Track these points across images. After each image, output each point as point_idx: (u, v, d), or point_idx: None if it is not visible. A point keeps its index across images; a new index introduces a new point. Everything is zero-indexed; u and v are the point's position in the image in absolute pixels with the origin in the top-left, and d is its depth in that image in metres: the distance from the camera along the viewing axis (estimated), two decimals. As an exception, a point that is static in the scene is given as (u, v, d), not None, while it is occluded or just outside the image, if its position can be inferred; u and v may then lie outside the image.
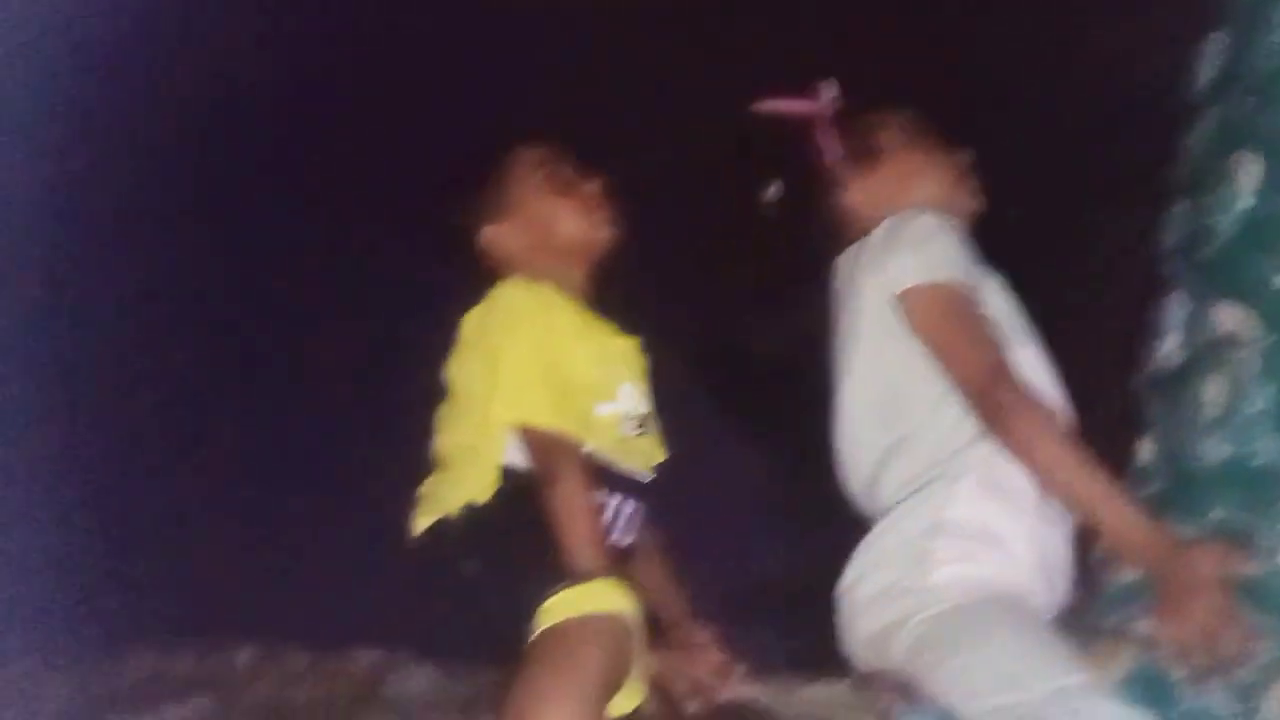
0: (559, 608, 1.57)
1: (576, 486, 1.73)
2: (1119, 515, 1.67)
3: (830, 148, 2.08)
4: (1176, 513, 1.79)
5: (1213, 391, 1.83)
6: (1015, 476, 1.75)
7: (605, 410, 1.88)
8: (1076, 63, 2.65)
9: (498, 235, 1.96)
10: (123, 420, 3.01)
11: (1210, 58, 2.00)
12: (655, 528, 1.96)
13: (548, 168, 1.99)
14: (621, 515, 1.85)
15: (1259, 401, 1.77)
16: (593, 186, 1.98)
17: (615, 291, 1.98)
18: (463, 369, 1.87)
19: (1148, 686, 1.60)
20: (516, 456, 1.79)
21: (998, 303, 1.91)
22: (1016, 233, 2.10)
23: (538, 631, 1.56)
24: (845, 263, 2.00)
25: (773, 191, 2.11)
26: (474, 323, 1.87)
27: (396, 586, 1.86)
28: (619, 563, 1.72)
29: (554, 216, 1.96)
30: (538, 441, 1.77)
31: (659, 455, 1.94)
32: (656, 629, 1.71)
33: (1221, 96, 1.95)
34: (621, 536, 1.84)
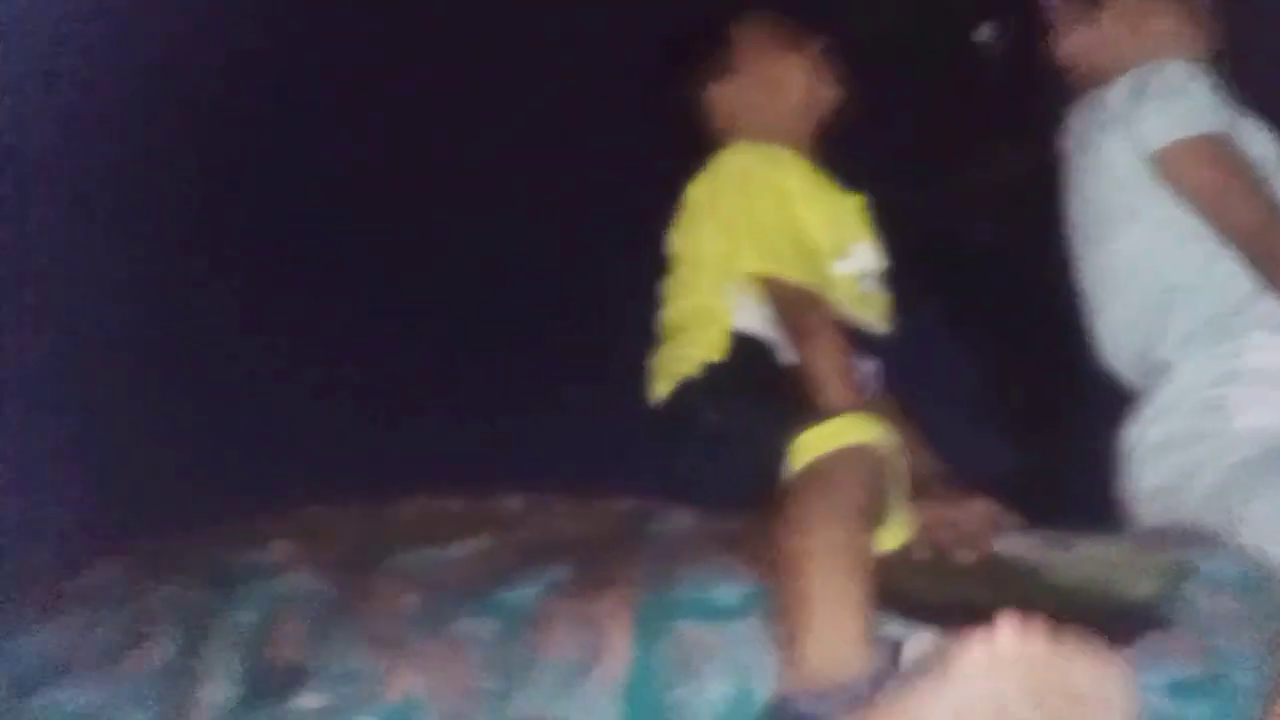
0: (813, 443, 1.56)
1: (830, 333, 1.73)
2: None
3: None
4: None
5: None
6: None
7: (842, 268, 1.88)
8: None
9: (724, 93, 1.94)
10: (381, 280, 3.16)
11: None
12: (893, 390, 1.92)
13: (774, 27, 1.98)
14: (860, 372, 1.84)
15: None
16: (819, 45, 1.97)
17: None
18: (690, 237, 1.87)
19: None
20: (746, 320, 1.80)
21: (1258, 144, 1.79)
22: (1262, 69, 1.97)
23: (794, 468, 1.57)
24: (1078, 122, 1.89)
25: (988, 32, 2.02)
26: (700, 190, 1.87)
27: (644, 447, 1.91)
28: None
29: (784, 72, 1.94)
30: (785, 294, 1.77)
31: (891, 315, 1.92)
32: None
33: None
34: (862, 394, 1.82)
